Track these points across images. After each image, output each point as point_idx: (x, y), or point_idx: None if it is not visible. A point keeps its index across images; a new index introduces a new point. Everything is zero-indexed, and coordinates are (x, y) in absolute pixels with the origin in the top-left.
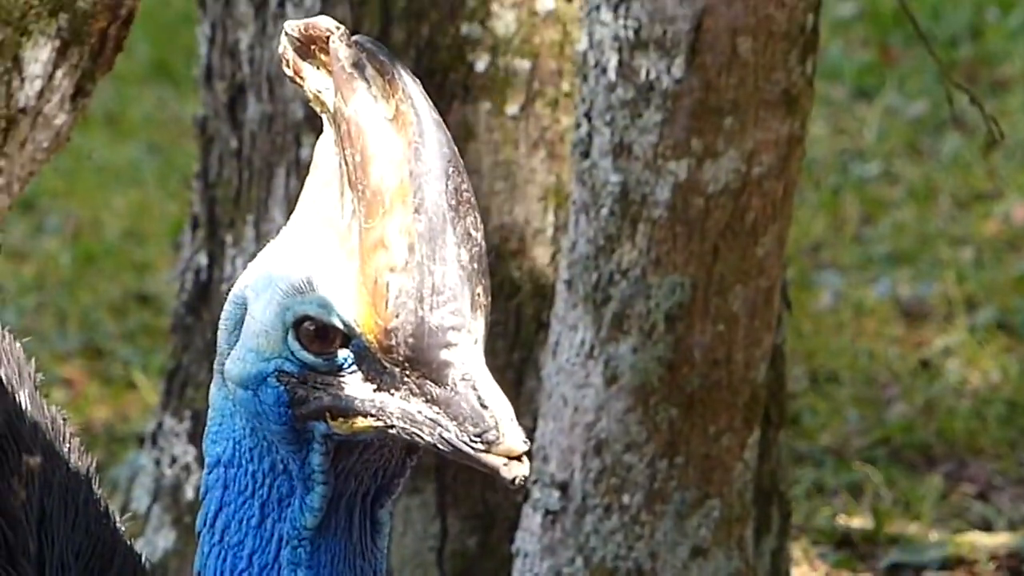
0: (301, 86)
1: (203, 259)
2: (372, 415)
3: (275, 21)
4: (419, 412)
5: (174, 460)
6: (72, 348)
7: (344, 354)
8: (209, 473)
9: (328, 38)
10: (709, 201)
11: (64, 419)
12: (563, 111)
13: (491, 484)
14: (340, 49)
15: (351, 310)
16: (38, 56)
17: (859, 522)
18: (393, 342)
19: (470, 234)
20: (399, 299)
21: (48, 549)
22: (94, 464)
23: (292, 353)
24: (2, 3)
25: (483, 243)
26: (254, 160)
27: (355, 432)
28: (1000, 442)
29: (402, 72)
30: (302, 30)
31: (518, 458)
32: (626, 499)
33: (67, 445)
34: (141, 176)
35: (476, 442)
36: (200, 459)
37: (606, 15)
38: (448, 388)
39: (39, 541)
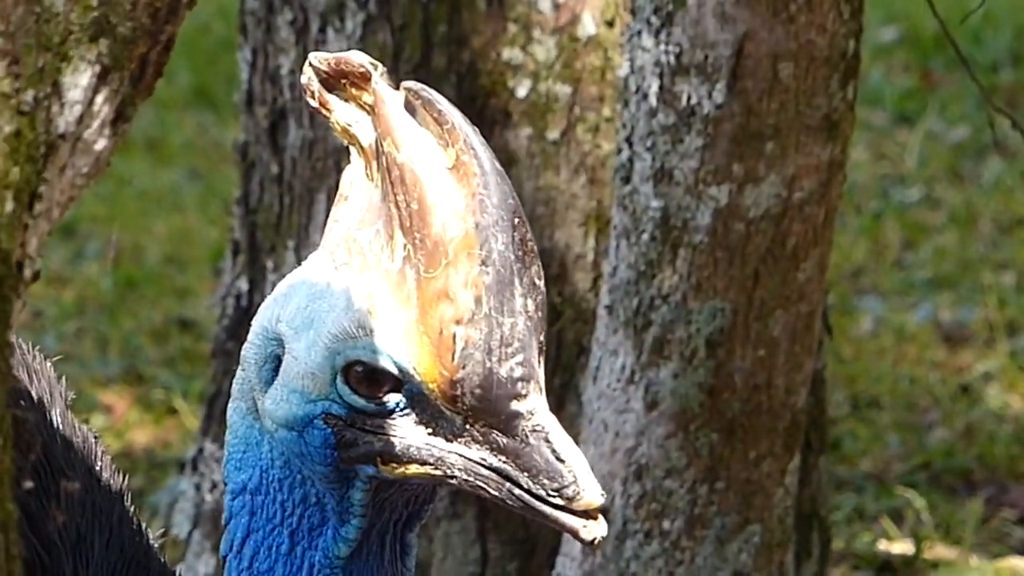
0: (327, 117)
1: (244, 285)
2: (430, 464)
3: (316, 47)
4: (483, 460)
5: (215, 485)
6: (113, 373)
7: (396, 398)
8: (234, 499)
9: (362, 74)
10: (750, 226)
11: (96, 437)
12: (604, 136)
13: None
14: (386, 92)
15: (408, 357)
16: (78, 82)
17: (900, 547)
18: (458, 392)
19: (535, 283)
20: (466, 350)
21: (83, 569)
22: (126, 481)
23: (340, 396)
24: (42, 29)
25: (544, 291)
26: (295, 186)
27: (406, 477)
28: None
29: (461, 121)
30: (332, 64)
31: (594, 517)
32: (667, 525)
33: (99, 463)
34: (182, 201)
35: (554, 497)
36: None
37: (647, 40)
38: (518, 440)
39: (74, 562)
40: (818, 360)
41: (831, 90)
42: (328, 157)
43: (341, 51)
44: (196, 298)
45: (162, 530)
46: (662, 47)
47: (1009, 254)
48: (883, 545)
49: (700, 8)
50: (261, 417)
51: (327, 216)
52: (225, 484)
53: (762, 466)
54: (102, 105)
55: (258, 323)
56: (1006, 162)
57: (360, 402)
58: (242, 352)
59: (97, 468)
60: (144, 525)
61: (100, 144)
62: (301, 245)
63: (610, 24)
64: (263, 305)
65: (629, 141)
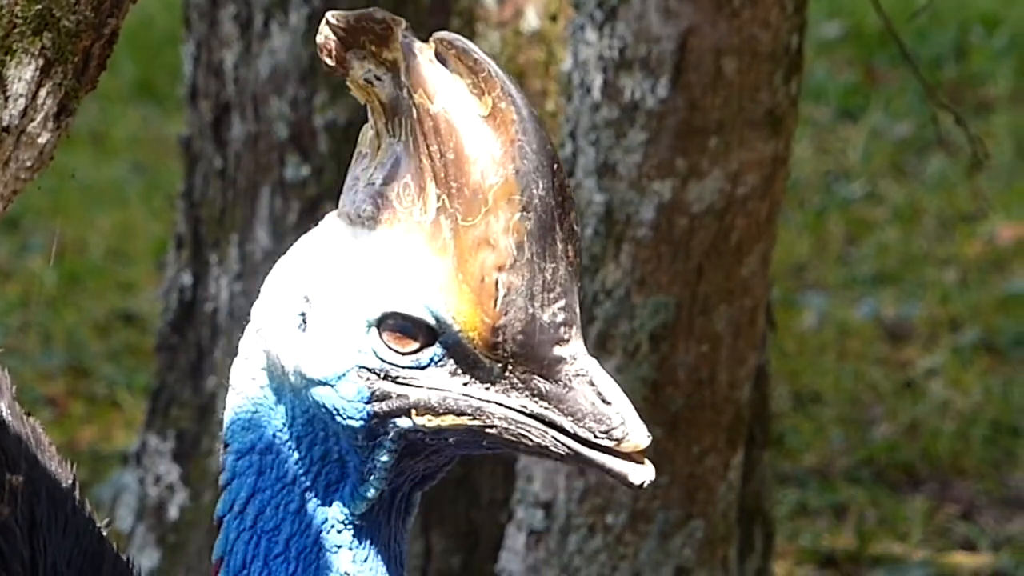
0: (344, 76)
1: (187, 278)
2: (467, 414)
3: (260, 41)
4: (523, 407)
5: (158, 479)
6: (56, 367)
7: (431, 351)
8: (239, 459)
9: (383, 29)
10: (693, 221)
11: (42, 429)
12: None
13: (476, 502)
14: (415, 44)
15: (446, 306)
16: (21, 75)
17: (843, 542)
18: (500, 339)
19: (573, 229)
20: (508, 297)
21: (41, 556)
22: (75, 472)
23: (374, 351)
24: None
25: (581, 237)
26: (239, 180)
27: (441, 429)
28: (984, 462)
29: (497, 69)
30: (351, 21)
31: (640, 461)
32: (610, 519)
33: (48, 454)
34: (125, 195)
35: (602, 439)
36: (185, 478)
37: (591, 35)
38: (562, 384)
39: (31, 548)
40: (761, 355)
41: (774, 85)
42: (272, 151)
43: (294, 41)
44: (140, 292)
45: (106, 522)
46: (606, 41)
47: (952, 250)
48: (827, 540)
49: (643, 3)
50: (284, 375)
51: (271, 210)
52: (226, 445)
53: (705, 461)
54: (46, 98)
55: (277, 282)
56: (949, 158)
57: (394, 356)
58: (253, 312)
59: (47, 459)
60: (95, 515)
61: (44, 137)
62: (245, 239)
63: (554, 19)
64: (280, 265)
65: (573, 135)
